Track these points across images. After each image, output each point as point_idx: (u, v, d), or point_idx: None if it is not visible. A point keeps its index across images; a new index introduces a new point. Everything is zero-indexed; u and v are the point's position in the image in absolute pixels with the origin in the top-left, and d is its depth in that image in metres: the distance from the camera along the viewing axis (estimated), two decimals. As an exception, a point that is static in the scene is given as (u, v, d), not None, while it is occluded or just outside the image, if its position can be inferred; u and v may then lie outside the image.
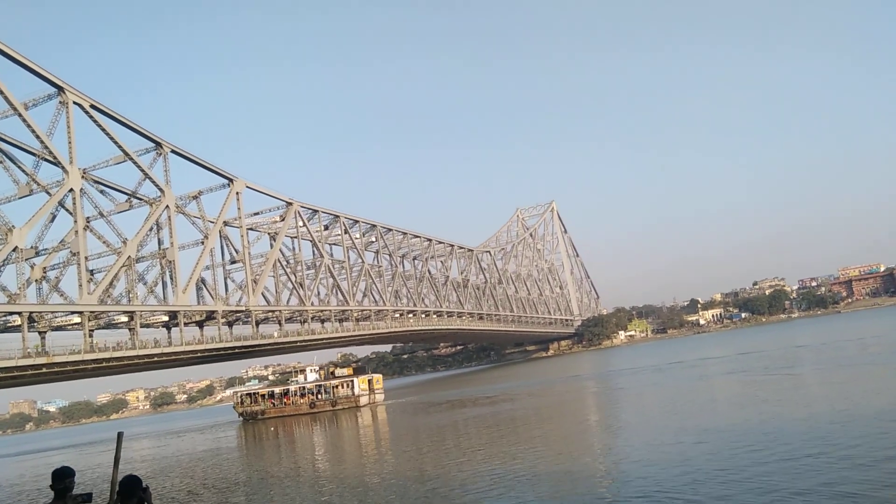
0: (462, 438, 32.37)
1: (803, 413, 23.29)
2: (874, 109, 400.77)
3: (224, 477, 30.59)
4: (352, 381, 77.55)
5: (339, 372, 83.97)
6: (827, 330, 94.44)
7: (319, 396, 77.22)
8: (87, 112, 71.54)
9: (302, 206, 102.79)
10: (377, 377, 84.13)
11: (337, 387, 77.15)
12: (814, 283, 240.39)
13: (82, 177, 71.75)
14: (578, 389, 55.41)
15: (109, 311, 73.16)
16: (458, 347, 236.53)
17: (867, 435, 17.80)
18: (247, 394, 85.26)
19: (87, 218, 74.45)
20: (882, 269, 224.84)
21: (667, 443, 21.47)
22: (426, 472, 22.87)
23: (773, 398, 28.74)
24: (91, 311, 68.19)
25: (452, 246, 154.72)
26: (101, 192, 78.60)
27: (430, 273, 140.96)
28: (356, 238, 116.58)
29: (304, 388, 79.28)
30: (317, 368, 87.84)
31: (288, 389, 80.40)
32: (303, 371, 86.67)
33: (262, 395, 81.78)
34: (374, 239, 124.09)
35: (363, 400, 75.45)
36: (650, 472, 17.16)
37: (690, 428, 23.75)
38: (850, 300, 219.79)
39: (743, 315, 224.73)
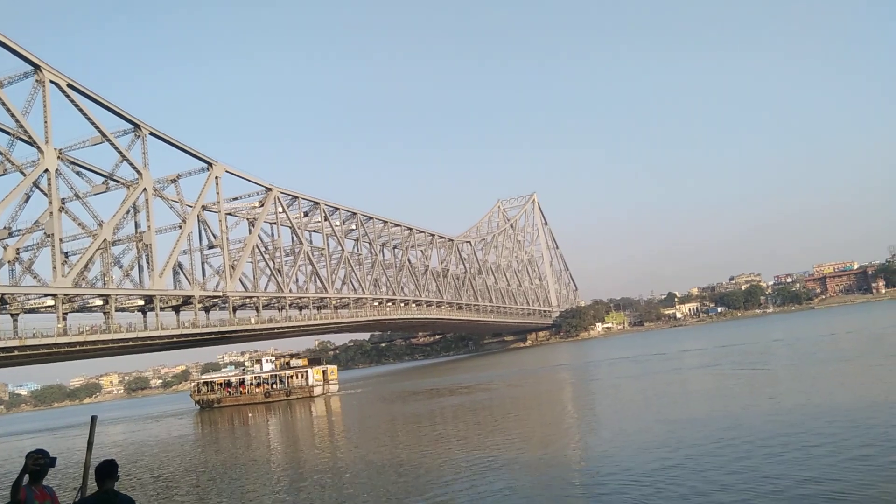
0: (416, 428, 32.40)
1: (773, 406, 23.63)
2: (849, 109, 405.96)
3: (182, 465, 30.41)
4: (306, 371, 78.85)
5: (294, 363, 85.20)
6: (800, 325, 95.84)
7: (274, 386, 78.23)
8: (63, 91, 70.34)
9: (282, 192, 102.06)
10: (332, 368, 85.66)
11: (292, 377, 78.23)
12: (789, 279, 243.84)
13: (58, 157, 70.59)
14: (555, 380, 55.77)
15: (84, 295, 72.16)
16: (437, 337, 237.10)
17: (837, 427, 18.08)
18: (203, 382, 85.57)
19: (63, 199, 73.34)
20: (855, 266, 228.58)
21: (640, 432, 21.67)
22: (375, 459, 22.91)
23: (745, 392, 29.14)
24: (65, 294, 67.26)
25: (433, 235, 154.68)
26: (77, 173, 77.45)
27: (409, 262, 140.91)
28: (336, 225, 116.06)
29: (259, 377, 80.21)
30: (273, 359, 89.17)
31: (244, 379, 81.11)
32: (259, 361, 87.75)
33: (219, 384, 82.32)
34: (354, 227, 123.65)
35: (317, 390, 76.64)
36: (624, 459, 17.32)
37: (664, 419, 24.02)
38: (823, 297, 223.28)
39: (719, 309, 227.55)
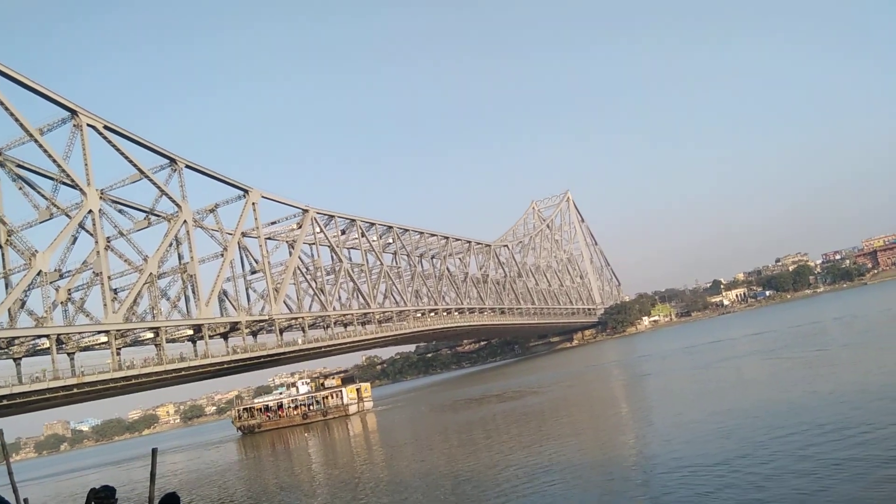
0: (467, 437, 32.34)
1: (832, 391, 23.03)
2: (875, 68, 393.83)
3: (239, 488, 30.86)
4: (340, 391, 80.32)
5: (328, 383, 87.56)
6: (854, 303, 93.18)
7: (311, 408, 79.94)
8: (100, 133, 72.30)
9: (318, 213, 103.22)
10: (365, 386, 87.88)
11: (327, 397, 79.86)
12: (838, 257, 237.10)
13: (100, 197, 72.54)
14: (605, 378, 55.23)
15: (135, 329, 73.92)
16: (482, 343, 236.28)
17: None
18: (244, 409, 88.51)
19: (108, 238, 75.32)
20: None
21: (697, 425, 21.35)
22: (428, 471, 22.94)
23: (802, 376, 28.45)
24: (117, 330, 68.97)
25: (470, 242, 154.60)
26: (120, 211, 79.49)
27: (448, 271, 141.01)
28: (373, 241, 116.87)
29: (296, 400, 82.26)
30: (307, 381, 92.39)
31: (282, 403, 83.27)
32: (294, 384, 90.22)
33: (258, 409, 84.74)
34: (391, 240, 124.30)
35: (352, 409, 77.93)
36: (682, 454, 17.08)
37: (719, 412, 23.58)
38: (875, 271, 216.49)
39: (767, 293, 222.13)
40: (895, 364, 26.32)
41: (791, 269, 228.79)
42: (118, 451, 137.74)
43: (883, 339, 36.68)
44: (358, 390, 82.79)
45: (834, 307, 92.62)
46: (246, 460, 50.41)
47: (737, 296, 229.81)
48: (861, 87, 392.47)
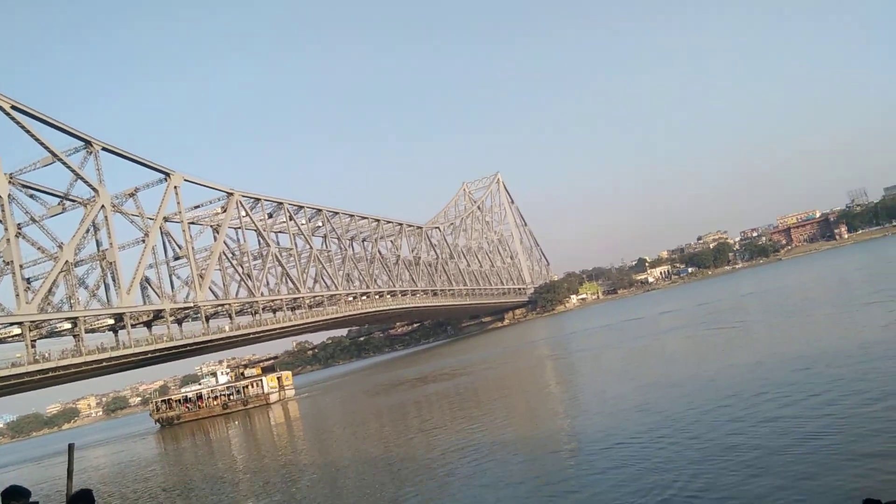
0: (399, 420, 32.45)
1: (749, 361, 24.06)
2: (806, 59, 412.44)
3: (157, 483, 30.12)
4: (261, 380, 79.56)
5: (248, 372, 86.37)
6: (768, 278, 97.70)
7: (231, 397, 78.95)
8: (8, 114, 68.40)
9: (243, 196, 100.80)
10: (286, 374, 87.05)
11: (247, 387, 78.94)
12: (754, 234, 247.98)
13: (9, 182, 68.86)
14: (535, 356, 56.19)
15: (51, 319, 70.70)
16: (415, 325, 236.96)
17: (810, 376, 18.51)
18: (162, 401, 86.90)
19: (19, 224, 71.51)
20: (818, 214, 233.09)
21: (621, 402, 21.91)
22: (358, 456, 22.94)
23: (720, 350, 29.63)
24: (31, 321, 65.83)
25: (401, 225, 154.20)
26: (31, 196, 75.44)
27: (380, 253, 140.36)
28: (302, 224, 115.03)
29: (215, 390, 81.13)
30: (227, 371, 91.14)
31: (201, 393, 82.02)
32: (214, 374, 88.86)
33: (177, 401, 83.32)
34: (320, 224, 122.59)
35: (273, 397, 77.38)
36: (609, 428, 17.51)
37: (644, 384, 24.32)
38: (789, 247, 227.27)
39: (690, 270, 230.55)
40: (806, 335, 27.65)
41: (712, 246, 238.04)
42: (36, 447, 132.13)
43: (794, 313, 38.55)
44: (279, 378, 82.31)
45: (751, 282, 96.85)
46: (165, 453, 49.42)
47: (661, 273, 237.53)
48: (786, 75, 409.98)
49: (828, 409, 14.48)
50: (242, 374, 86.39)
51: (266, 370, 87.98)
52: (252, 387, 78.65)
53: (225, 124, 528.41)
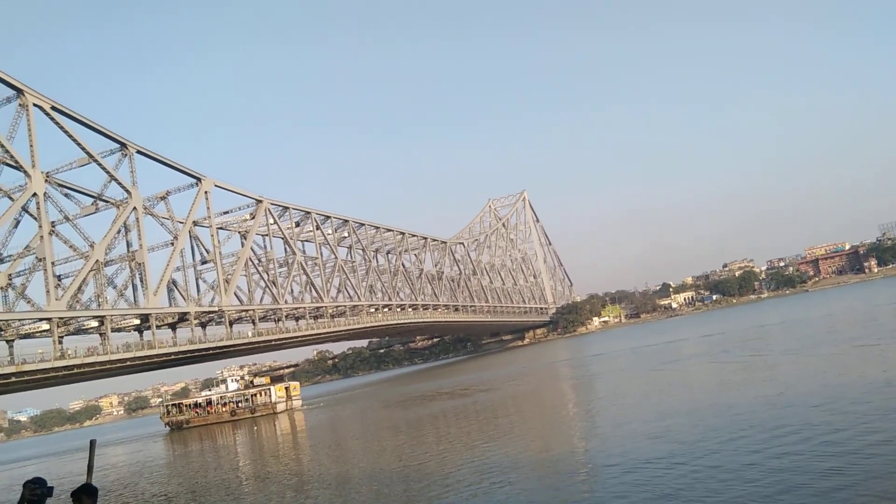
0: (414, 435, 32.41)
1: (771, 393, 23.72)
2: (841, 88, 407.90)
3: (169, 483, 30.39)
4: (269, 389, 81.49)
5: (257, 381, 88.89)
6: (795, 309, 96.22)
7: (240, 405, 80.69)
8: (47, 114, 70.06)
9: (272, 204, 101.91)
10: (294, 385, 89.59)
11: (255, 395, 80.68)
12: (782, 264, 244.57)
13: (46, 180, 70.33)
14: (554, 377, 55.91)
15: (79, 317, 71.89)
16: (435, 340, 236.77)
17: (834, 409, 18.22)
18: (172, 405, 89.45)
19: (53, 222, 72.98)
20: (847, 247, 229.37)
21: (641, 426, 21.74)
22: (371, 469, 22.94)
23: (742, 379, 29.24)
24: (60, 318, 67.01)
25: (426, 239, 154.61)
26: (66, 195, 77.02)
27: (404, 267, 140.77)
28: (328, 234, 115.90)
29: (225, 397, 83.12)
30: (238, 378, 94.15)
31: (211, 399, 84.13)
32: (224, 381, 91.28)
33: (187, 406, 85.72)
34: (346, 234, 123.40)
35: (280, 406, 78.85)
36: (625, 453, 17.38)
37: (664, 411, 24.07)
38: (817, 279, 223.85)
39: (714, 297, 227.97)
40: (830, 370, 27.20)
41: (737, 274, 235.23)
42: (58, 442, 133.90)
43: (821, 346, 37.93)
44: (287, 389, 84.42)
45: (777, 312, 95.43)
46: (174, 456, 50.23)
47: (685, 299, 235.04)
48: (815, 109, 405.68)
49: (849, 445, 14.25)
50: (252, 382, 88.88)
51: (275, 380, 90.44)
52: (260, 395, 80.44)
53: (252, 129, 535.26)
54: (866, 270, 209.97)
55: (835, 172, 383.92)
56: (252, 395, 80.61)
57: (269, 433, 53.21)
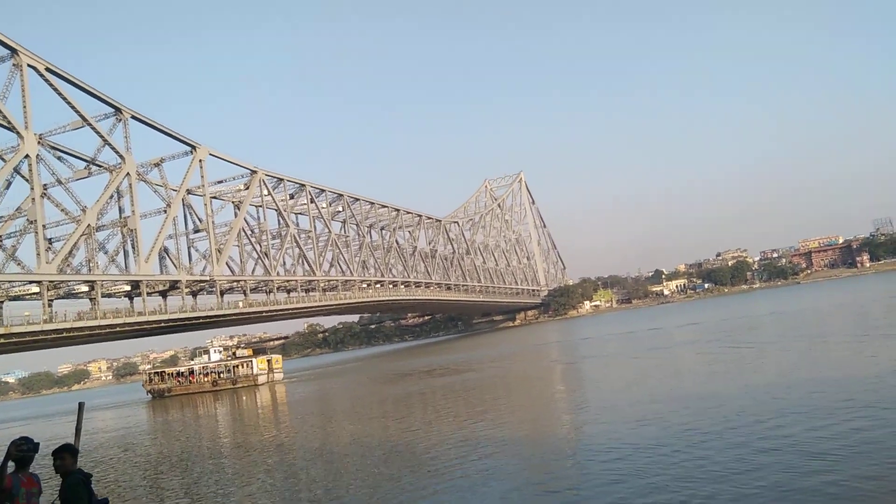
0: (405, 410, 32.47)
1: (758, 382, 23.79)
2: (837, 83, 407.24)
3: (142, 453, 30.43)
4: (251, 361, 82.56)
5: (239, 353, 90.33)
6: (785, 300, 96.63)
7: (221, 375, 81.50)
8: (42, 75, 69.22)
9: (267, 175, 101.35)
10: (276, 357, 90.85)
11: (237, 366, 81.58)
12: (775, 255, 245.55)
13: (38, 142, 69.69)
14: (544, 358, 56.00)
15: (69, 281, 71.63)
16: (426, 318, 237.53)
17: (818, 400, 18.26)
18: (155, 372, 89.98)
19: (45, 185, 72.56)
20: (840, 241, 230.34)
21: (629, 409, 21.75)
22: (357, 440, 22.97)
23: (729, 368, 29.34)
24: (50, 281, 66.74)
25: (420, 216, 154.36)
26: (59, 158, 76.48)
27: (397, 243, 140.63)
28: (322, 207, 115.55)
29: (207, 367, 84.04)
30: (221, 349, 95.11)
31: (193, 368, 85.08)
32: (207, 351, 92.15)
33: (170, 374, 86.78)
34: (340, 209, 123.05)
35: (261, 379, 79.84)
36: (612, 436, 17.39)
37: (650, 398, 24.07)
38: (809, 271, 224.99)
39: (706, 286, 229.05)
40: (820, 361, 27.30)
41: (730, 264, 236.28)
42: (46, 404, 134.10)
43: (810, 337, 38.08)
44: (269, 361, 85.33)
45: (768, 303, 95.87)
46: (154, 423, 50.85)
47: (677, 286, 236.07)
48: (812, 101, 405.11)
49: (849, 437, 14.22)
50: (234, 353, 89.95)
51: (257, 352, 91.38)
52: (242, 367, 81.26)
53: (250, 102, 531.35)
54: (858, 265, 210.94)
55: (830, 166, 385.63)
56: (234, 367, 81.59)
57: (251, 405, 53.78)
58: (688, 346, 46.17)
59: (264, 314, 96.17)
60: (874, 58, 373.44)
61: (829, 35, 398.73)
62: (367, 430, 26.08)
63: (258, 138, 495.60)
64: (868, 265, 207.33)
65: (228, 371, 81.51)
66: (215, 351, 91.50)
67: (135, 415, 60.78)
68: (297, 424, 33.17)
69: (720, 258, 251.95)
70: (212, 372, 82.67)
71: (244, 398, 60.67)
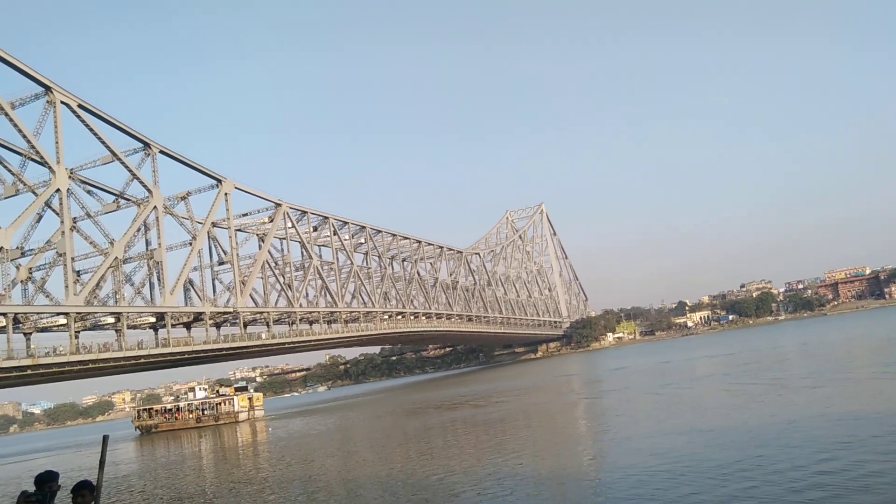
0: (423, 442, 32.33)
1: (787, 418, 23.42)
2: (856, 113, 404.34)
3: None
4: (232, 399, 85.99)
5: (222, 391, 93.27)
6: (813, 332, 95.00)
7: (205, 412, 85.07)
8: (74, 112, 71.13)
9: (291, 208, 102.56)
10: (257, 395, 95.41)
11: (220, 404, 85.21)
12: (800, 286, 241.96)
13: (69, 177, 71.32)
14: (566, 391, 55.56)
15: (96, 313, 72.69)
16: (447, 349, 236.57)
17: (852, 438, 17.98)
18: (143, 409, 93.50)
19: (74, 218, 74.01)
20: (867, 272, 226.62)
21: (652, 445, 21.53)
22: (374, 474, 22.90)
23: (757, 405, 28.90)
24: (77, 313, 67.73)
25: (442, 248, 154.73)
26: (89, 192, 78.21)
27: (419, 275, 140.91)
28: (345, 239, 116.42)
29: (191, 404, 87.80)
30: (206, 387, 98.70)
31: (178, 406, 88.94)
32: (192, 389, 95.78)
33: (157, 411, 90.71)
34: (363, 240, 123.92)
35: (242, 416, 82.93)
36: (635, 472, 17.23)
37: (674, 432, 23.82)
38: (835, 302, 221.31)
39: (730, 317, 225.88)
40: (846, 398, 26.85)
41: (755, 295, 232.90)
42: (69, 435, 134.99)
43: (838, 372, 37.40)
44: (250, 399, 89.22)
45: (794, 336, 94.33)
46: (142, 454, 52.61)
47: (701, 318, 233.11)
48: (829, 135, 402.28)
49: (870, 479, 14.01)
50: (217, 391, 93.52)
51: (238, 390, 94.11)
52: (224, 404, 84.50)
53: (275, 135, 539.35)
54: (886, 296, 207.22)
55: (857, 197, 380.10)
56: (217, 404, 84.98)
57: (231, 441, 55.51)
58: (709, 379, 45.55)
59: (287, 346, 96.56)
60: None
61: (854, 67, 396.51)
62: (360, 469, 26.01)
63: (279, 174, 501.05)
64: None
65: (211, 408, 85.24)
66: (201, 388, 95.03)
67: (125, 449, 61.32)
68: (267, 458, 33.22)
69: (744, 289, 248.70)
70: (196, 409, 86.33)
71: (225, 435, 62.63)
